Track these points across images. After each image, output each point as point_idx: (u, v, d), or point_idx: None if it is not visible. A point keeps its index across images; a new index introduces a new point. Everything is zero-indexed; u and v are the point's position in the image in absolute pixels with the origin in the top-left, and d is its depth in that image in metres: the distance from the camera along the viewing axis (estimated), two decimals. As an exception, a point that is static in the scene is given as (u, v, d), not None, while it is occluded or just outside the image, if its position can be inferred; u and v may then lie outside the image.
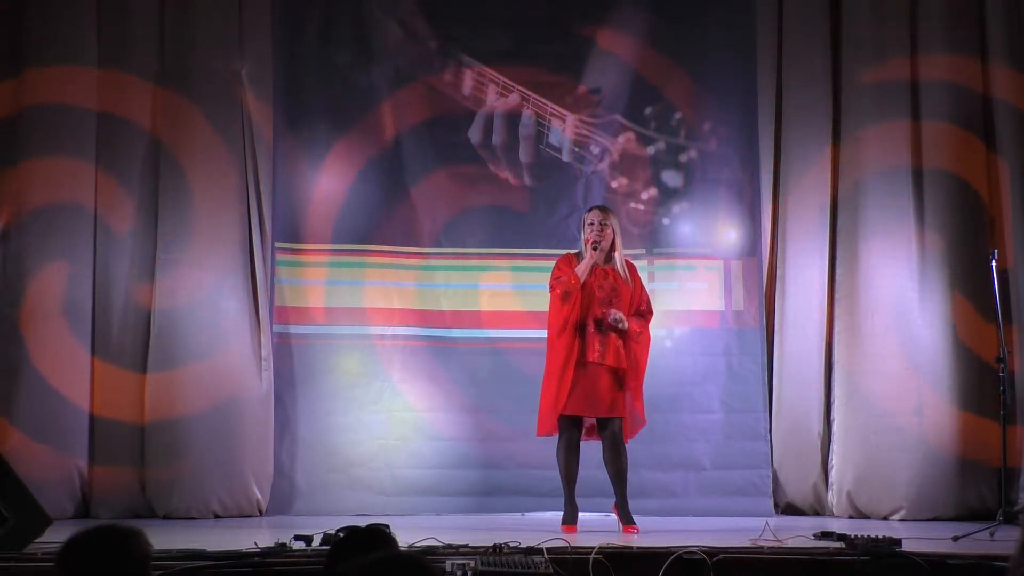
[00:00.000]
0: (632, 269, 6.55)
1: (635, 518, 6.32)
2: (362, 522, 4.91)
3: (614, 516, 6.44)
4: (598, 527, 6.40)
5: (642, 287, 6.55)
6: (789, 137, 7.60)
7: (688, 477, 7.36)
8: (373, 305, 7.44)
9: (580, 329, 6.35)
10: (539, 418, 6.44)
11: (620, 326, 6.32)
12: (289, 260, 7.39)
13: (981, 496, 7.14)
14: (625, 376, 6.35)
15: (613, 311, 6.33)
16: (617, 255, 6.47)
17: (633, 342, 6.39)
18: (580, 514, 6.45)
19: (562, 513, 6.41)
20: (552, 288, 6.44)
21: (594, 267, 6.41)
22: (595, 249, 6.37)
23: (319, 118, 7.44)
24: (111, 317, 7.07)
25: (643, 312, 6.50)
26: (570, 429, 6.36)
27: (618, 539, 5.76)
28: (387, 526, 4.18)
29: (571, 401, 6.30)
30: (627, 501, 6.38)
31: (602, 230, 6.40)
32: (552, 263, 6.58)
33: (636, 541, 5.71)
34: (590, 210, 6.60)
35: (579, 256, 6.49)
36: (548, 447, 6.88)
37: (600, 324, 6.33)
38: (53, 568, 2.72)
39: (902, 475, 7.14)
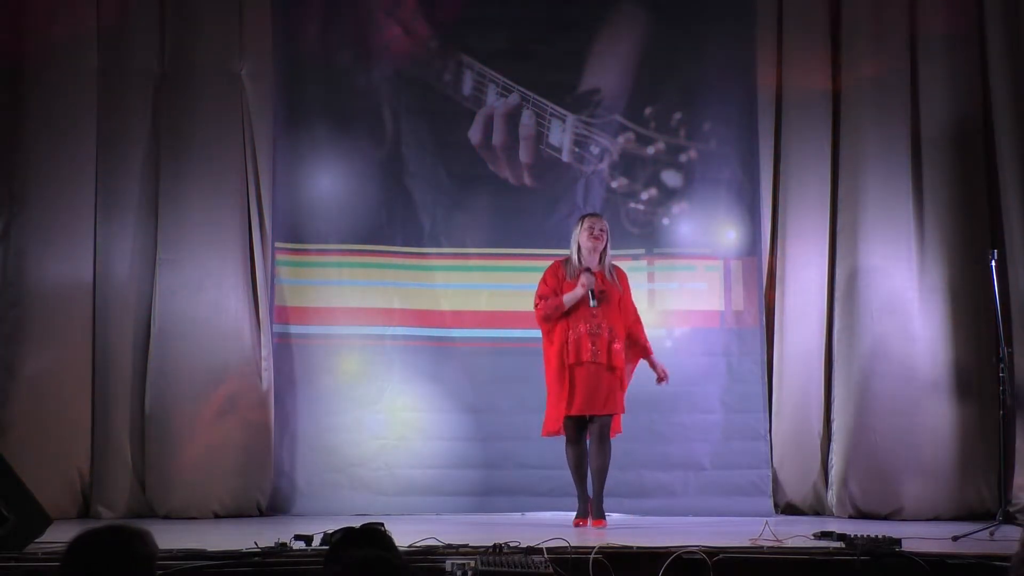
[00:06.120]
0: (621, 275, 6.58)
1: (634, 518, 6.36)
2: (361, 522, 4.89)
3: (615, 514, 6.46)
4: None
5: (630, 295, 6.58)
6: (789, 137, 7.60)
7: (688, 477, 7.36)
8: (373, 305, 7.44)
9: (573, 331, 6.39)
10: (545, 419, 6.50)
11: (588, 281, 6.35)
12: (289, 260, 7.39)
13: (981, 496, 7.14)
14: (620, 375, 6.41)
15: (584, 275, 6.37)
16: (606, 260, 6.53)
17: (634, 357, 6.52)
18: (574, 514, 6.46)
19: (576, 511, 6.46)
20: (535, 306, 6.49)
21: (579, 271, 6.43)
22: (593, 298, 6.35)
23: (319, 118, 7.45)
24: (111, 317, 7.07)
25: (633, 323, 6.54)
26: (574, 428, 6.40)
27: (617, 539, 5.75)
28: (382, 524, 4.15)
29: (574, 401, 6.35)
30: (602, 497, 6.42)
31: (601, 236, 6.47)
32: (551, 263, 6.58)
33: (636, 541, 5.69)
34: (589, 216, 6.64)
35: (567, 263, 6.52)
36: (548, 447, 6.90)
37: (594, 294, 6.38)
38: (58, 568, 2.71)
39: (902, 475, 7.15)
